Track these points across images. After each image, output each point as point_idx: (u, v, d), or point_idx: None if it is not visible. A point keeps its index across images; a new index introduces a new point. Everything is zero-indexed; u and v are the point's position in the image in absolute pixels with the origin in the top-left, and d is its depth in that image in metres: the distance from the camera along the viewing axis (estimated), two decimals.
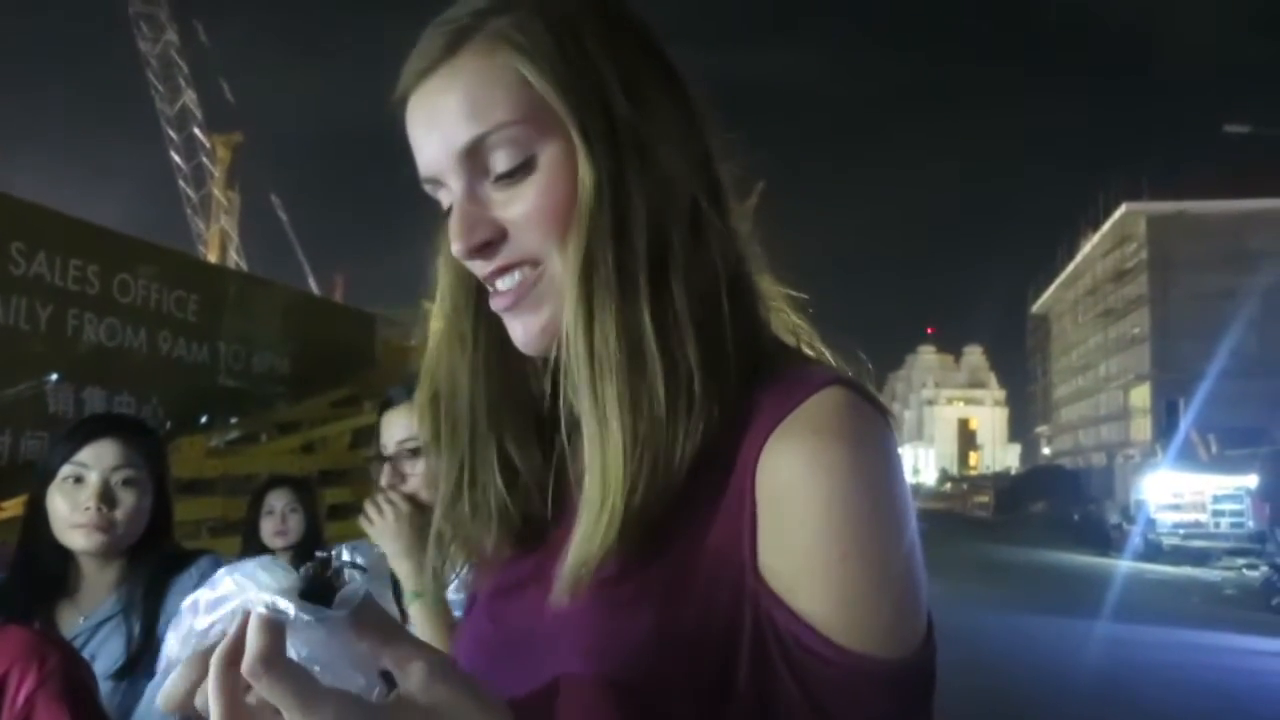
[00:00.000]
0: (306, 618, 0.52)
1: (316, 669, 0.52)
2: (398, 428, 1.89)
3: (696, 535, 0.66)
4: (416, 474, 1.86)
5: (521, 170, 0.68)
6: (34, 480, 1.89)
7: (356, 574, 0.56)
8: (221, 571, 0.56)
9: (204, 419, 7.69)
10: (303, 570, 0.55)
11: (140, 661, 1.78)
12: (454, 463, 0.78)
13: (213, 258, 40.66)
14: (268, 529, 3.26)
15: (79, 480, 1.84)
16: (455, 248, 0.70)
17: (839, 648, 0.61)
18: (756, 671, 0.64)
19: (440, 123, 0.69)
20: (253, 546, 3.24)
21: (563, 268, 0.69)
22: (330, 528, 3.99)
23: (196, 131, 45.62)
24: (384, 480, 1.86)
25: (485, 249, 0.70)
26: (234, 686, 0.52)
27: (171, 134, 45.73)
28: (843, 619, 0.62)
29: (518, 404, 0.78)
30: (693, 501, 0.66)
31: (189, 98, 45.30)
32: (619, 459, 0.66)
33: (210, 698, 0.52)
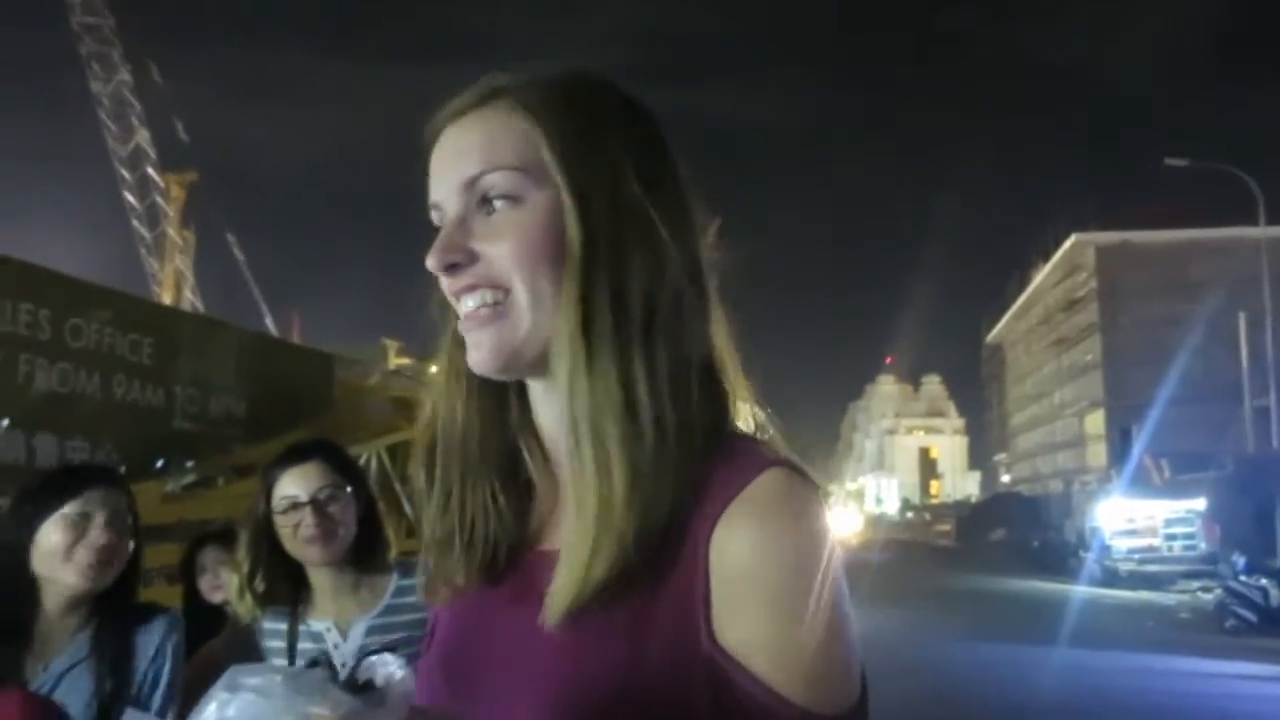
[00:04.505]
0: (360, 712, 0.53)
1: None
2: (314, 478, 2.09)
3: (655, 595, 0.72)
4: (337, 512, 2.07)
5: (505, 204, 0.77)
6: (16, 514, 1.89)
7: (386, 658, 0.59)
8: (226, 693, 0.54)
9: (159, 463, 7.59)
10: (324, 671, 0.57)
11: (110, 713, 1.78)
12: (444, 496, 0.83)
13: (168, 298, 40.12)
14: (204, 585, 3.27)
15: (84, 518, 1.86)
16: (429, 261, 0.78)
17: (793, 704, 0.68)
18: None
19: (456, 157, 0.79)
20: (194, 605, 3.23)
21: (531, 304, 0.76)
22: None
23: (150, 171, 45.18)
24: (310, 522, 2.03)
25: (454, 269, 0.78)
26: None
27: (125, 174, 45.23)
28: (795, 679, 0.69)
29: (501, 441, 0.83)
30: (655, 563, 0.72)
31: (142, 137, 44.86)
32: (619, 498, 0.72)
33: None
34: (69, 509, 1.85)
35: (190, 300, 43.71)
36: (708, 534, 0.71)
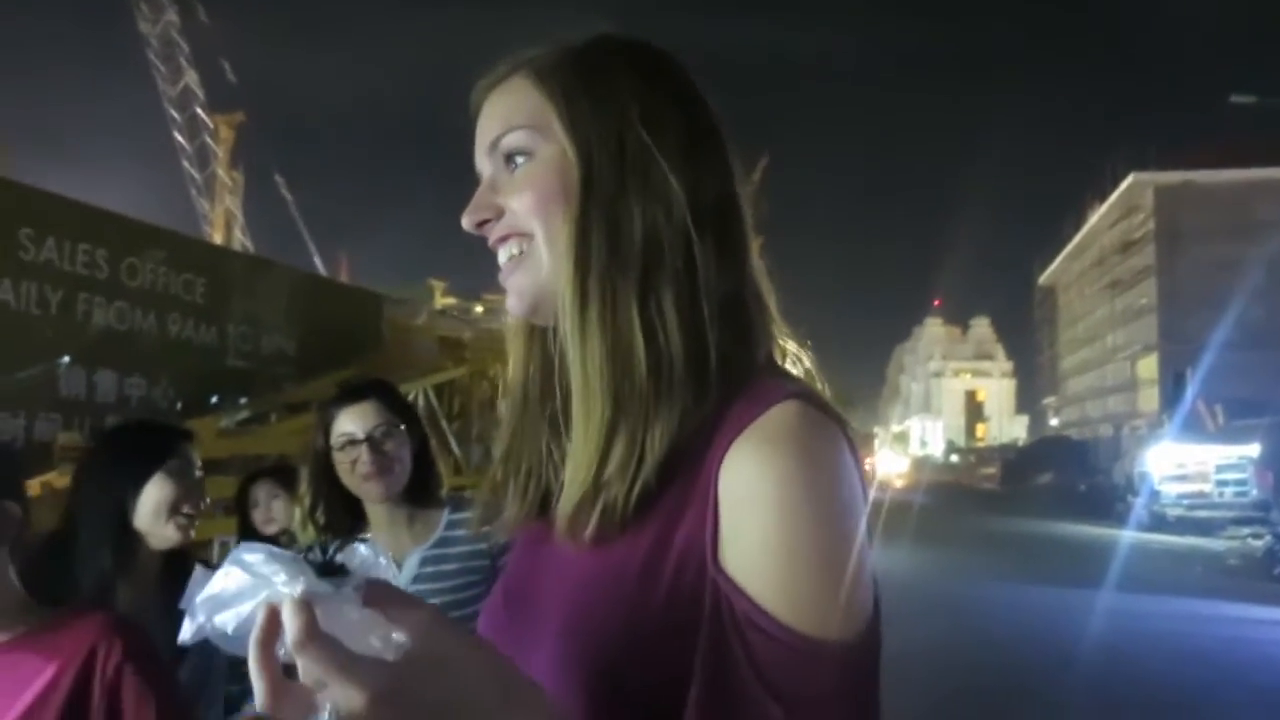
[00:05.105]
0: (326, 593, 0.59)
1: (341, 639, 0.59)
2: (369, 416, 2.15)
3: (671, 525, 0.75)
4: (393, 450, 2.13)
5: (523, 160, 0.83)
6: (118, 467, 1.94)
7: (361, 549, 0.63)
8: (229, 566, 0.61)
9: (214, 400, 7.77)
10: (309, 554, 0.62)
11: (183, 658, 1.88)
12: (506, 441, 0.89)
13: (218, 238, 40.70)
14: (258, 518, 3.42)
15: (185, 474, 1.93)
16: (463, 221, 0.86)
17: (788, 628, 0.69)
18: (714, 649, 0.71)
19: (485, 125, 0.86)
20: (248, 537, 3.39)
21: (548, 246, 0.81)
22: None
23: (199, 111, 45.57)
24: (366, 459, 2.09)
25: (484, 225, 0.85)
26: (274, 667, 0.59)
27: (174, 114, 45.69)
28: (790, 605, 0.70)
29: (556, 389, 0.87)
30: (671, 495, 0.76)
31: (191, 78, 45.21)
32: (599, 427, 0.76)
33: (254, 679, 0.59)
34: (172, 465, 1.92)
35: (240, 240, 44.31)
36: (718, 463, 0.74)
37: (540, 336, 0.88)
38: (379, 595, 0.61)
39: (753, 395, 0.76)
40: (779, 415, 0.74)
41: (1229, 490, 20.73)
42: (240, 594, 0.60)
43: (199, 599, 0.61)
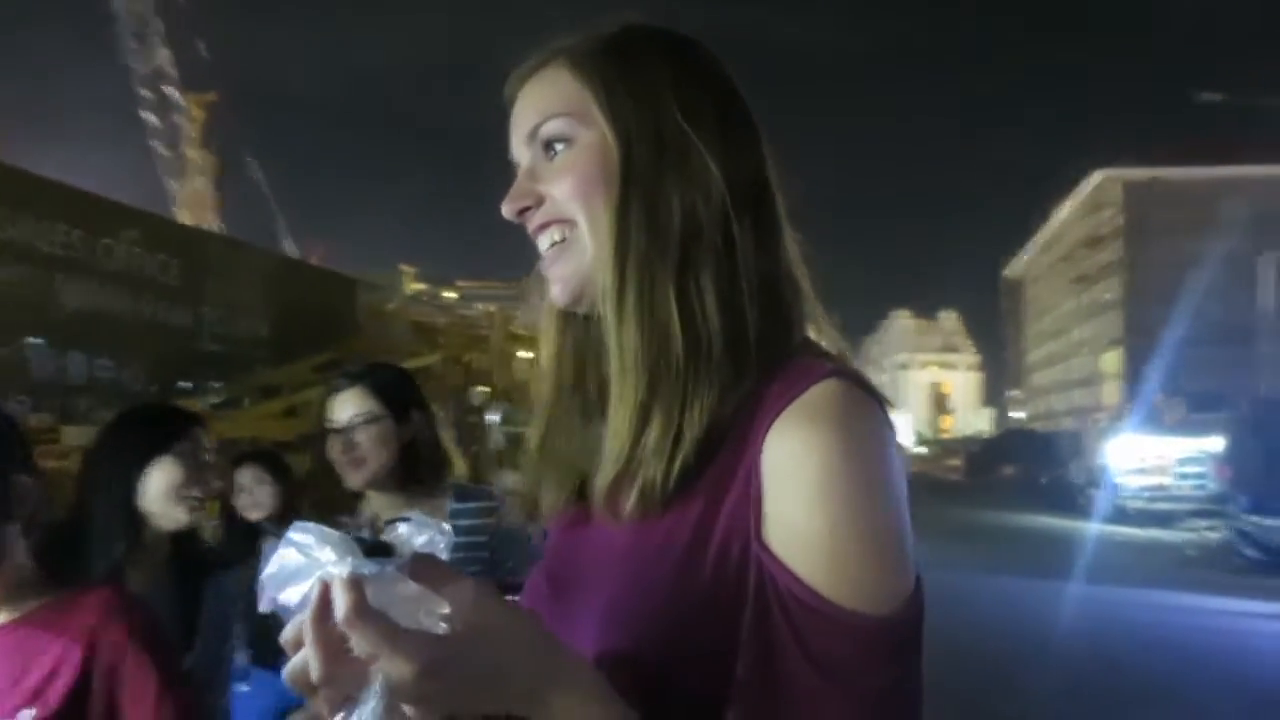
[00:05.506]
0: (374, 571, 0.63)
1: (390, 614, 0.62)
2: (349, 405, 2.15)
3: (715, 502, 0.77)
4: (364, 442, 2.12)
5: (563, 147, 0.84)
6: (126, 450, 1.95)
7: (402, 528, 0.67)
8: (283, 547, 0.65)
9: (187, 383, 7.72)
10: (356, 534, 0.65)
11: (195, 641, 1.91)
12: (541, 429, 0.90)
13: (186, 219, 40.15)
14: (243, 503, 3.39)
15: (195, 457, 1.94)
16: (503, 210, 0.86)
17: (830, 602, 0.70)
18: (759, 624, 0.73)
19: (521, 114, 0.87)
20: (231, 520, 3.38)
21: (591, 232, 0.82)
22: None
23: (171, 91, 44.86)
24: (337, 449, 2.11)
25: (524, 213, 0.86)
26: (329, 639, 0.62)
27: (145, 93, 44.95)
28: (832, 579, 0.71)
29: (587, 376, 0.89)
30: (714, 473, 0.77)
31: (163, 56, 44.48)
32: (633, 406, 0.78)
33: (309, 651, 0.62)
34: (181, 447, 1.93)
35: (211, 222, 43.72)
36: (761, 440, 0.75)
37: (573, 324, 0.89)
38: (425, 569, 0.64)
39: (793, 374, 0.77)
40: (821, 393, 0.75)
41: (1188, 483, 21.02)
42: (298, 572, 0.64)
43: (264, 575, 0.65)
